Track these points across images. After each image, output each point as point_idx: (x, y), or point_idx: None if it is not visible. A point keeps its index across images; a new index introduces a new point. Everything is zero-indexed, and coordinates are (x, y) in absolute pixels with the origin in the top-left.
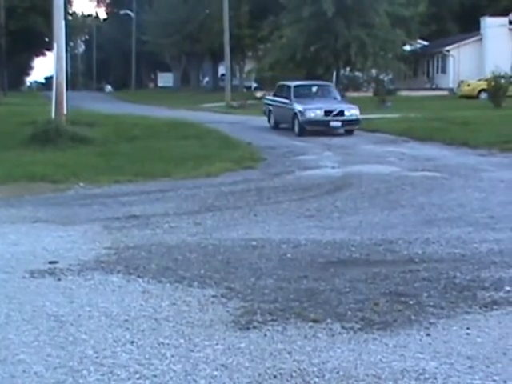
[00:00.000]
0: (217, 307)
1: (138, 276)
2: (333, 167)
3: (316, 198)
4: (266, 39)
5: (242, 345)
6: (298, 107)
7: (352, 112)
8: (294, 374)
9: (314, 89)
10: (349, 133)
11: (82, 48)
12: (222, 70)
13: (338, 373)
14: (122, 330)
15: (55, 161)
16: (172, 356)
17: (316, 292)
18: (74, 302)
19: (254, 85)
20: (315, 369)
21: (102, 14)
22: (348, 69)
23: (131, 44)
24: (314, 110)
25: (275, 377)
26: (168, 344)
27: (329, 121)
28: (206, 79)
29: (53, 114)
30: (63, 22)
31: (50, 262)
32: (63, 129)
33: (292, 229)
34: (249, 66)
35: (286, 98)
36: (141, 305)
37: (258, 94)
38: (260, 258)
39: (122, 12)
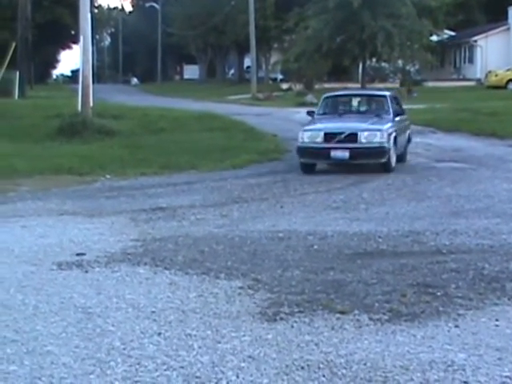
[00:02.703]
0: (244, 299)
1: (165, 268)
2: None
3: (342, 190)
4: (292, 31)
5: (269, 336)
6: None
7: (371, 136)
8: (321, 366)
9: (356, 101)
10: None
11: (107, 41)
12: (247, 61)
13: (365, 364)
14: (149, 322)
15: (81, 153)
16: (199, 347)
17: (343, 283)
18: (102, 294)
19: (280, 76)
20: (342, 360)
21: (128, 7)
22: (374, 60)
23: (157, 36)
24: (310, 132)
25: (302, 368)
26: (195, 335)
27: (329, 149)
28: (232, 71)
29: (79, 107)
30: (89, 15)
31: (78, 254)
32: (89, 121)
33: (318, 220)
34: (274, 57)
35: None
36: (168, 296)
37: (284, 86)
38: (287, 250)
39: (147, 4)
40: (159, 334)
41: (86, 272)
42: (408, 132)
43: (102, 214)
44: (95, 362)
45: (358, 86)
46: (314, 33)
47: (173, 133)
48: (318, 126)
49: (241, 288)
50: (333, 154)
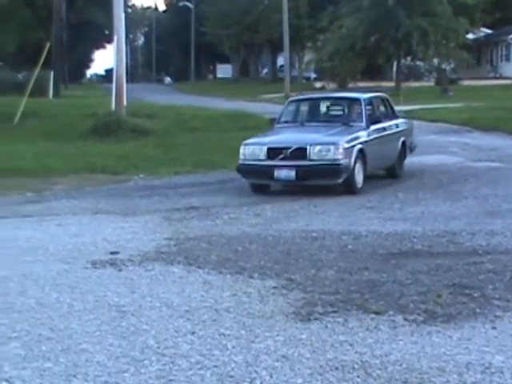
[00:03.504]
0: (277, 298)
1: (199, 267)
2: None
3: (377, 190)
4: (326, 29)
5: (303, 336)
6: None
7: (323, 151)
8: (355, 366)
9: (325, 107)
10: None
11: (141, 40)
12: (280, 60)
13: (400, 365)
14: (182, 321)
15: (115, 152)
16: (233, 347)
17: (377, 284)
18: (135, 293)
19: (313, 75)
20: (377, 361)
21: (161, 6)
22: (409, 58)
23: (190, 35)
24: (251, 146)
25: (337, 368)
26: (229, 335)
27: (272, 168)
28: (265, 70)
29: (113, 106)
30: (123, 15)
31: (111, 253)
32: (123, 120)
33: (352, 220)
34: (308, 56)
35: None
36: (201, 295)
37: (317, 85)
38: (320, 250)
39: (181, 3)
40: (193, 332)
41: (120, 270)
42: (402, 140)
43: (135, 212)
44: (129, 361)
45: (393, 84)
46: (348, 31)
47: (206, 132)
48: (262, 139)
49: (274, 288)
50: (276, 173)
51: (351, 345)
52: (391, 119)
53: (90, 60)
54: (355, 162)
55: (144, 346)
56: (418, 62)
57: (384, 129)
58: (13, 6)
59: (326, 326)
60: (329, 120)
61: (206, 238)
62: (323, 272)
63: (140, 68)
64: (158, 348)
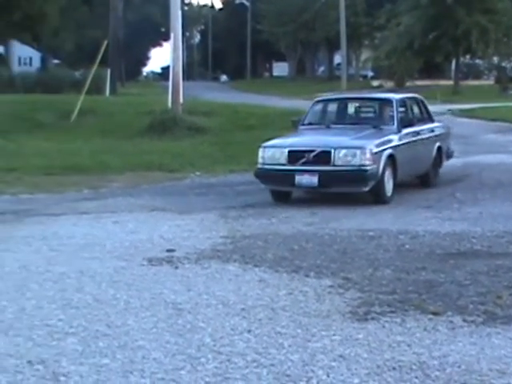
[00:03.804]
0: (334, 297)
1: (255, 265)
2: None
3: (434, 189)
4: (383, 27)
5: (360, 336)
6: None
7: (349, 155)
8: (413, 367)
9: (353, 108)
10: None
11: (197, 38)
12: (337, 58)
13: (459, 367)
14: (239, 319)
15: (172, 150)
16: (289, 346)
17: (435, 284)
18: (192, 290)
19: (371, 73)
20: (436, 362)
21: (218, 4)
22: (468, 56)
23: (246, 33)
24: (271, 149)
25: (394, 369)
26: (285, 333)
27: (293, 173)
28: (322, 68)
29: (169, 104)
30: (179, 13)
31: (168, 250)
32: (180, 118)
33: (409, 219)
34: (365, 54)
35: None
36: (257, 294)
37: (374, 83)
38: (377, 249)
39: (237, 1)
40: (249, 331)
41: (176, 268)
42: (437, 146)
43: (191, 210)
44: (186, 358)
45: (451, 83)
46: (406, 29)
47: (263, 130)
48: (283, 141)
49: (331, 287)
50: (298, 179)
51: (409, 345)
52: (426, 123)
53: (147, 58)
54: (384, 169)
55: (200, 343)
56: (478, 61)
57: (417, 133)
58: (70, 4)
59: (384, 326)
60: (357, 122)
61: (262, 236)
62: (380, 271)
63: (196, 66)
64: (215, 346)
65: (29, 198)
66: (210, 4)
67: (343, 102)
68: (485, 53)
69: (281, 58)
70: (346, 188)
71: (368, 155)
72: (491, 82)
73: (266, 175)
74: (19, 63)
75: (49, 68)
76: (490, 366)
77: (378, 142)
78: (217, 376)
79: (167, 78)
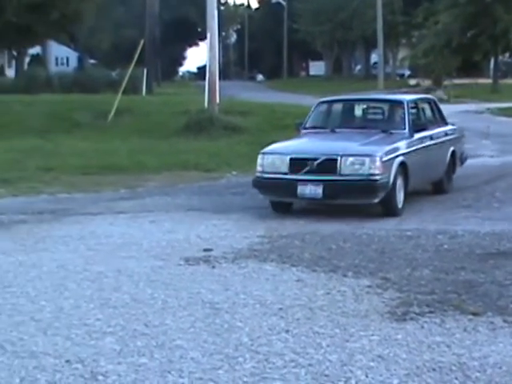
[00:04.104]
0: (372, 297)
1: (292, 265)
2: (491, 156)
3: (473, 188)
4: (421, 26)
5: (399, 336)
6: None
7: (357, 163)
8: (453, 368)
9: (360, 110)
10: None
11: (233, 37)
12: (374, 57)
13: (500, 368)
14: (276, 319)
15: (208, 149)
16: (327, 345)
17: (475, 284)
18: (229, 290)
19: (408, 72)
20: (476, 363)
21: (254, 3)
22: (507, 55)
23: (283, 33)
24: (271, 156)
25: (434, 370)
26: (323, 333)
27: (295, 182)
28: (358, 67)
29: (206, 104)
30: (216, 12)
31: (205, 250)
32: (216, 118)
33: (448, 219)
34: (402, 53)
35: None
36: (295, 293)
37: (412, 82)
38: (415, 249)
39: (273, 1)
40: (287, 330)
41: (213, 268)
42: (452, 150)
43: (228, 210)
44: (223, 358)
45: (490, 81)
46: (444, 27)
47: None
48: (284, 147)
49: (369, 287)
50: (300, 189)
51: (448, 346)
52: (439, 126)
53: (183, 57)
54: (395, 178)
55: (238, 343)
56: None
57: (431, 137)
58: (107, 4)
59: (422, 327)
60: (365, 126)
61: (299, 235)
62: (418, 271)
63: (232, 65)
64: (252, 345)
65: (66, 197)
66: (246, 3)
67: (349, 104)
68: None
69: (317, 56)
70: (354, 200)
71: (378, 163)
72: None
73: (265, 185)
74: (56, 63)
75: (85, 68)
76: None
77: (388, 148)
78: (254, 376)
79: (203, 78)
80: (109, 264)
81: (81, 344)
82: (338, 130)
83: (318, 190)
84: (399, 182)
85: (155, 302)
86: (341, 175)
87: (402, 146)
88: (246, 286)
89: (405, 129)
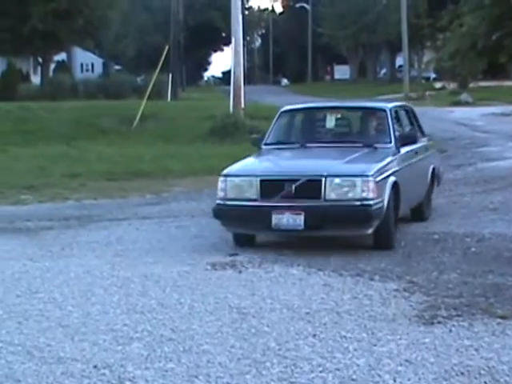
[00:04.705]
0: (399, 301)
1: (319, 269)
2: None
3: (500, 191)
4: (446, 28)
5: (427, 340)
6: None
7: (347, 185)
8: (482, 372)
9: (333, 121)
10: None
11: (258, 42)
12: (399, 61)
13: None
14: (303, 323)
15: (233, 154)
16: (355, 350)
17: (503, 287)
18: (256, 295)
19: (433, 75)
20: (505, 367)
21: (278, 8)
22: None
23: (307, 37)
24: (236, 178)
25: (462, 374)
26: (350, 338)
27: (269, 211)
28: (383, 71)
29: (231, 108)
30: (240, 17)
31: (231, 255)
32: (241, 123)
33: (475, 222)
34: (427, 56)
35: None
36: (322, 298)
37: (437, 85)
38: (442, 252)
39: (297, 5)
40: (314, 335)
41: (240, 272)
42: (432, 167)
43: None
44: (251, 362)
45: None
46: (469, 30)
47: None
48: (250, 166)
49: (396, 290)
50: (276, 219)
51: (477, 350)
52: (417, 138)
53: (208, 62)
54: (389, 202)
55: (265, 347)
56: None
57: (416, 152)
58: (132, 10)
59: (450, 330)
60: (343, 140)
61: (325, 239)
62: (446, 275)
63: (257, 70)
64: (280, 350)
65: (92, 203)
66: (270, 8)
67: (320, 113)
68: None
69: (342, 60)
70: (342, 230)
71: (372, 185)
72: None
73: (229, 214)
74: (81, 70)
75: (110, 74)
76: None
77: (379, 166)
78: (282, 381)
79: (228, 83)
80: (135, 269)
81: (108, 349)
82: (309, 145)
83: (298, 220)
84: (391, 206)
85: (182, 307)
86: (326, 200)
87: (392, 163)
88: (273, 290)
89: (390, 142)
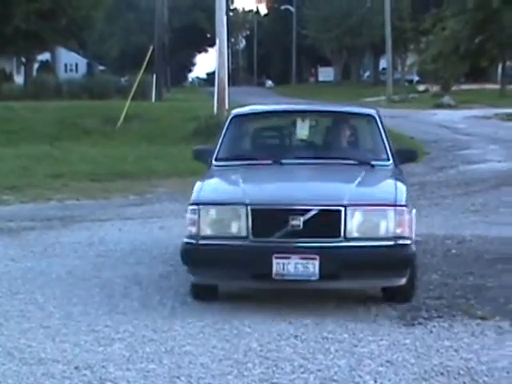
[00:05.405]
0: (380, 302)
1: None
2: (499, 161)
3: (481, 193)
4: (429, 32)
5: (407, 341)
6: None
7: (375, 217)
8: (461, 372)
9: (306, 129)
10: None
11: (242, 44)
12: (383, 63)
13: (508, 373)
14: (285, 324)
15: None
16: (336, 351)
17: (483, 289)
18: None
19: (416, 78)
20: (484, 367)
21: (263, 10)
22: None
23: (291, 39)
24: (216, 206)
25: (442, 374)
26: (332, 338)
27: (269, 254)
28: (367, 73)
29: (215, 109)
30: (225, 18)
31: None
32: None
33: (456, 224)
34: (410, 59)
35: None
36: (303, 299)
37: (420, 88)
38: (424, 254)
39: (282, 7)
40: (296, 336)
41: None
42: None
43: None
44: (232, 363)
45: (497, 87)
46: (452, 33)
47: None
48: (234, 189)
49: (377, 291)
50: (278, 266)
51: (456, 350)
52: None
53: (192, 63)
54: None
55: (247, 348)
56: None
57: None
58: (115, 10)
59: (431, 331)
60: (326, 156)
61: None
62: (427, 276)
63: (241, 71)
64: (261, 351)
65: (75, 204)
66: (255, 10)
67: (288, 119)
68: None
69: (326, 62)
70: (368, 280)
71: (407, 217)
72: None
73: (204, 259)
74: (65, 70)
75: (94, 74)
76: None
77: (405, 192)
78: (263, 381)
79: (212, 84)
80: (118, 270)
81: (89, 350)
82: (285, 161)
83: (311, 267)
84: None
85: (164, 308)
86: (347, 239)
87: (404, 186)
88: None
89: (388, 159)
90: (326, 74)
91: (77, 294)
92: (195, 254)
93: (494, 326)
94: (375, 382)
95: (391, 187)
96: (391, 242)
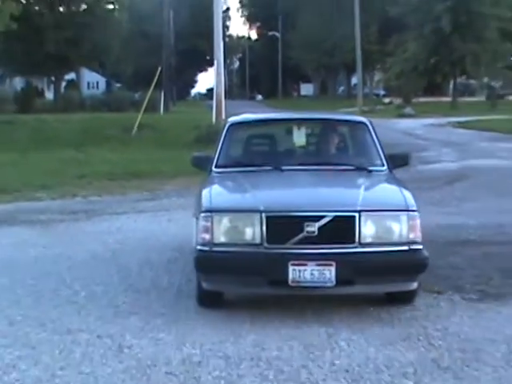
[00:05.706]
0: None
1: None
2: (451, 161)
3: (438, 188)
4: (392, 53)
5: (375, 312)
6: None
7: (391, 220)
8: (420, 338)
9: (302, 136)
10: None
11: (236, 64)
12: (354, 80)
13: (459, 336)
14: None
15: None
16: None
17: (437, 268)
18: None
19: (382, 92)
20: (439, 333)
21: (254, 36)
22: (464, 77)
23: (278, 60)
24: (229, 214)
25: (404, 340)
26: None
27: (285, 260)
28: (341, 88)
29: (213, 120)
30: (221, 43)
31: None
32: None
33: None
34: (377, 76)
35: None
36: None
37: (386, 100)
38: None
39: (270, 33)
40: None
41: None
42: None
43: None
44: (229, 332)
45: (449, 99)
46: (412, 55)
47: None
48: (247, 196)
49: None
50: (294, 271)
51: (416, 319)
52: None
53: (194, 81)
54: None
55: (241, 320)
56: (471, 80)
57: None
58: (130, 37)
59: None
60: (325, 162)
61: None
62: None
63: (235, 87)
64: (253, 319)
65: (97, 199)
66: (247, 36)
67: (284, 127)
68: (477, 74)
69: (307, 79)
70: (382, 285)
71: (419, 222)
72: (483, 98)
73: (219, 266)
74: (88, 87)
75: (112, 90)
76: (484, 335)
77: (410, 194)
78: (255, 347)
79: (211, 98)
80: (133, 255)
81: (110, 322)
82: (286, 167)
83: (328, 273)
84: None
85: (172, 286)
86: (362, 245)
87: (409, 192)
88: None
89: (383, 164)
90: (306, 89)
91: (99, 275)
92: (209, 262)
93: (447, 299)
94: (348, 346)
95: (398, 192)
96: (405, 247)
